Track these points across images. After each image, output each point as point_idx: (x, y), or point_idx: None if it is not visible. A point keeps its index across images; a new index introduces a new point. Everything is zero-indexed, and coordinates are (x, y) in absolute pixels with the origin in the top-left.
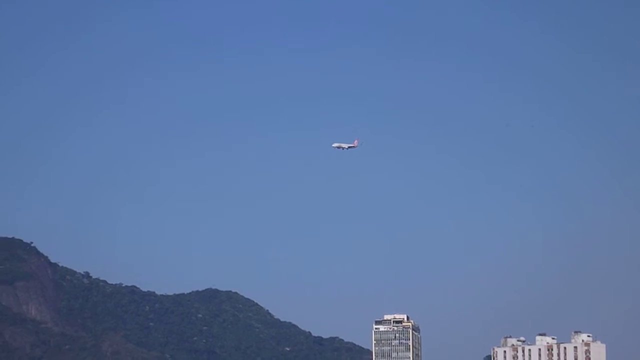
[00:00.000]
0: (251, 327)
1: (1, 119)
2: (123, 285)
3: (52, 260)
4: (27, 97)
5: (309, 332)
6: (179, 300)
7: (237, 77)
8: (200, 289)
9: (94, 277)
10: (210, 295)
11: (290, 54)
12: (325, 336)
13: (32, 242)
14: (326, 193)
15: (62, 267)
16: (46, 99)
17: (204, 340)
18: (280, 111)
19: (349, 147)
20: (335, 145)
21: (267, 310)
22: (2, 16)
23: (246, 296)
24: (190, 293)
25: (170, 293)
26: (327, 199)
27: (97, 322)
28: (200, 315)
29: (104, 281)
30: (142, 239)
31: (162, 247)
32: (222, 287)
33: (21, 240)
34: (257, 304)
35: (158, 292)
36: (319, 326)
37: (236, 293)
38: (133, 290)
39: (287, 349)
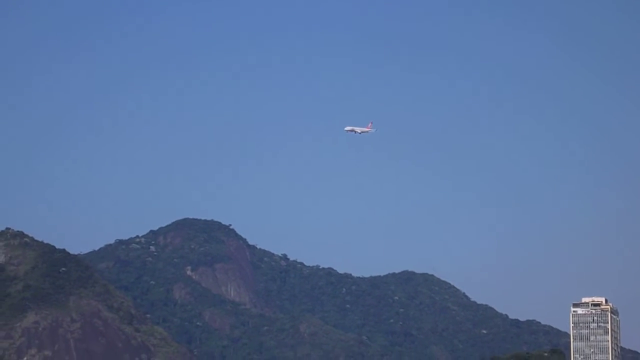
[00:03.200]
0: (448, 310)
1: None
2: (320, 267)
3: (250, 243)
4: None
5: (506, 314)
6: (375, 282)
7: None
8: (396, 272)
9: (291, 259)
10: (407, 278)
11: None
12: (522, 319)
13: (230, 225)
14: None
15: (260, 249)
16: None
17: (400, 323)
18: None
19: (362, 132)
20: (347, 128)
21: (464, 292)
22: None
23: (442, 279)
24: (386, 275)
25: (367, 275)
26: None
27: (294, 304)
28: (396, 298)
29: (301, 263)
30: (336, 221)
31: (358, 230)
32: (418, 270)
33: (220, 223)
34: (453, 287)
35: (355, 275)
36: (516, 309)
37: (432, 275)
38: (330, 272)
39: (484, 331)
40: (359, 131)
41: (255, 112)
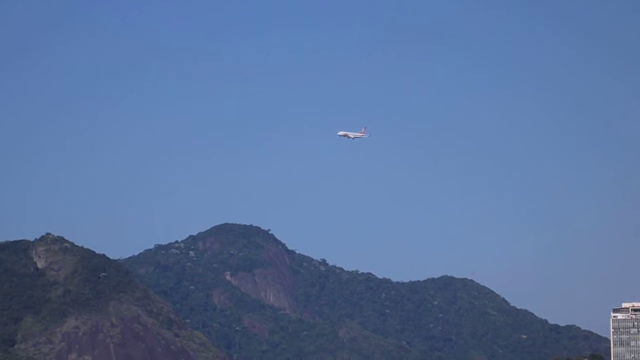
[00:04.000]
0: (487, 315)
1: None
2: (359, 272)
3: (289, 248)
4: None
5: (545, 319)
6: (414, 287)
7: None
8: (435, 277)
9: (330, 264)
10: (446, 283)
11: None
12: (561, 324)
13: (269, 230)
14: None
15: (299, 254)
16: None
17: (439, 328)
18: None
19: (355, 137)
20: (341, 133)
21: (503, 297)
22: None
23: (482, 284)
24: (425, 280)
25: (406, 280)
26: None
27: (333, 309)
28: (436, 303)
29: (340, 268)
30: (376, 226)
31: (397, 235)
32: (458, 275)
33: (259, 228)
34: (492, 292)
35: (394, 280)
36: (556, 314)
37: (472, 280)
38: (369, 277)
39: (524, 336)
40: (352, 136)
41: (294, 116)
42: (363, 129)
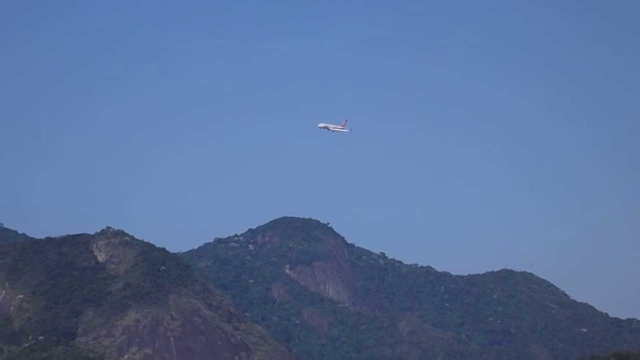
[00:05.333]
0: (547, 308)
1: None
2: (418, 265)
3: (349, 241)
4: None
5: (606, 313)
6: (473, 280)
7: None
8: (495, 270)
9: (389, 257)
10: (505, 276)
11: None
12: (622, 317)
13: (328, 223)
14: None
15: (358, 247)
16: None
17: (499, 321)
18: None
19: (335, 130)
20: (321, 125)
21: (563, 291)
22: None
23: (541, 277)
24: (485, 274)
25: (465, 274)
26: None
27: (393, 303)
28: (495, 296)
29: (400, 262)
30: (435, 219)
31: (456, 228)
32: (517, 268)
33: (318, 221)
34: (552, 285)
35: (453, 273)
36: (616, 307)
37: (531, 274)
38: (428, 270)
39: (584, 330)
40: (332, 129)
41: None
42: (344, 122)
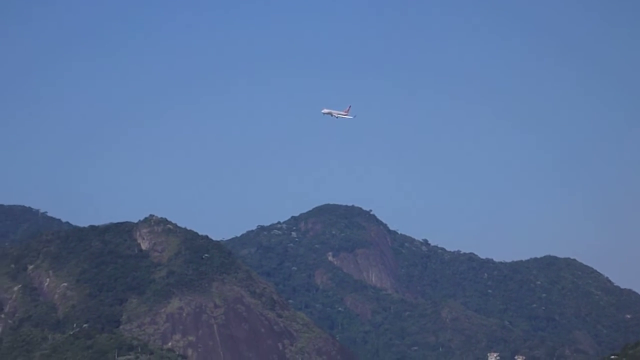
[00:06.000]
0: (591, 295)
1: None
2: (461, 252)
3: (391, 228)
4: None
5: None
6: (516, 267)
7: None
8: (538, 256)
9: (432, 244)
10: (549, 262)
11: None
12: None
13: (371, 210)
14: None
15: (400, 234)
16: None
17: (543, 308)
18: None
19: (339, 115)
20: (325, 111)
21: (607, 277)
22: None
23: (585, 263)
24: (528, 260)
25: (508, 260)
26: None
27: (435, 289)
28: (538, 283)
29: (442, 248)
30: (477, 206)
31: (499, 214)
32: (560, 254)
33: (360, 208)
34: (596, 271)
35: (496, 259)
36: None
37: (574, 260)
38: (471, 257)
39: (628, 316)
40: (336, 115)
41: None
42: (348, 108)
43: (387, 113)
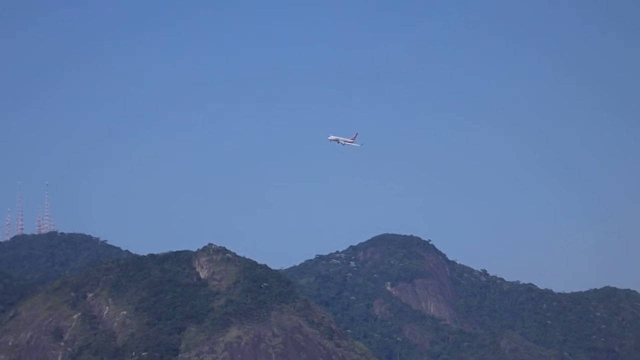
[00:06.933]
0: None
1: None
2: (520, 283)
3: (450, 258)
4: None
5: None
6: (576, 298)
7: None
8: (598, 287)
9: (491, 274)
10: (608, 293)
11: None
12: None
13: (429, 240)
14: None
15: (459, 264)
16: None
17: (602, 339)
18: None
19: (346, 142)
20: (331, 138)
21: None
22: None
23: None
24: (587, 291)
25: (568, 291)
26: None
27: (494, 320)
28: (598, 314)
29: (501, 279)
30: (536, 238)
31: (558, 245)
32: (621, 286)
33: (419, 238)
34: None
35: (555, 290)
36: None
37: (635, 291)
38: (530, 288)
39: None
40: (343, 142)
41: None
42: (355, 135)
43: (436, 141)
